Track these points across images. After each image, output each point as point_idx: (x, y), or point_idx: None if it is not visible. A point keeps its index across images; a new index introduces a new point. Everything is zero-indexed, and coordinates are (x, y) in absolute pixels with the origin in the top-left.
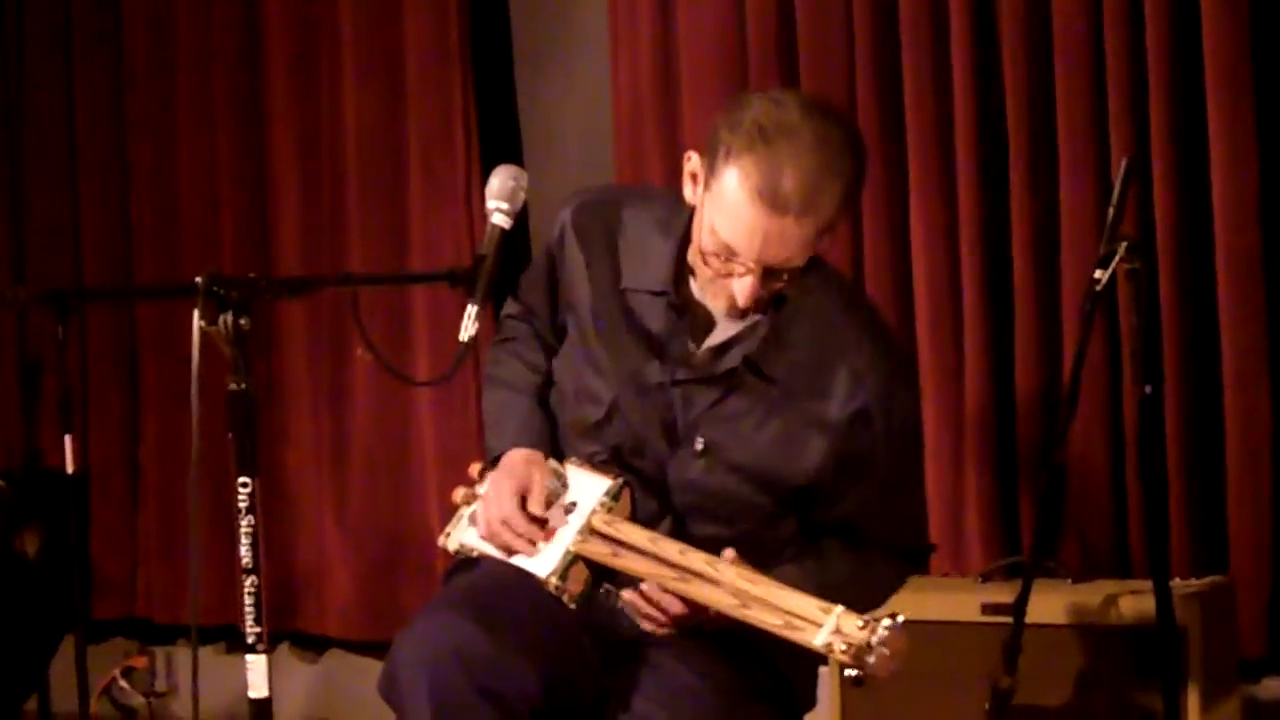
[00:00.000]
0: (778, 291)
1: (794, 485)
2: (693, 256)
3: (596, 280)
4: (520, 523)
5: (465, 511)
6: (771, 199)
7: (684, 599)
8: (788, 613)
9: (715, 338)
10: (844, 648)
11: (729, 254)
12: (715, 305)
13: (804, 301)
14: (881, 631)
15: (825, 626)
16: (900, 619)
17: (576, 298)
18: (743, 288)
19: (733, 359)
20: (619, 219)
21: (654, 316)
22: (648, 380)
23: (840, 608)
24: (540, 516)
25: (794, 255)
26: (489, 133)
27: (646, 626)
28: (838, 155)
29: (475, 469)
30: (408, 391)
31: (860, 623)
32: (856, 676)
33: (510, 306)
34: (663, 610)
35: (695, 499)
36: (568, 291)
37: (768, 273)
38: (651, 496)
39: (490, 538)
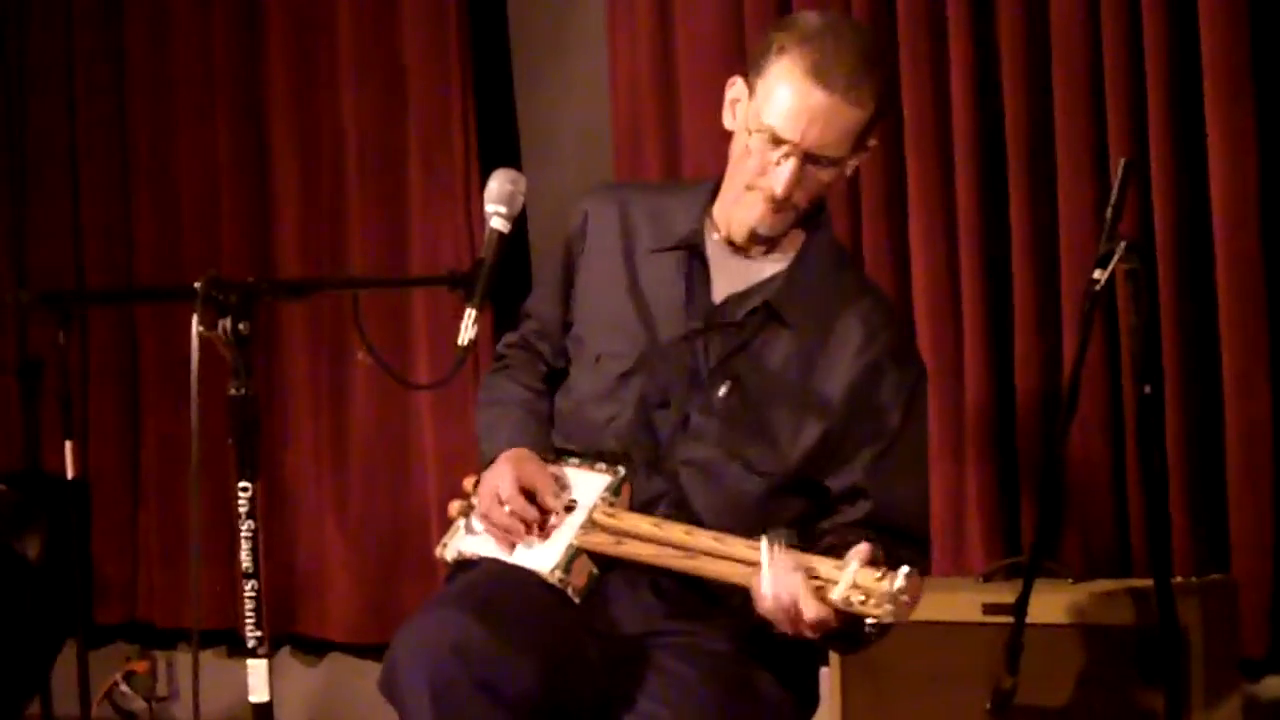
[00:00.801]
0: (813, 195)
1: (811, 432)
2: (725, 190)
3: (621, 252)
4: (519, 501)
5: (461, 522)
6: (819, 77)
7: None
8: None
9: (735, 286)
10: (863, 599)
11: (774, 141)
12: (749, 215)
13: (818, 256)
14: (900, 580)
15: (842, 582)
16: (914, 571)
17: (600, 274)
18: (782, 174)
19: (753, 303)
20: (640, 195)
21: (678, 271)
22: (673, 330)
23: (855, 562)
24: (548, 508)
25: (835, 141)
26: (487, 134)
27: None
28: (878, 54)
29: (469, 482)
30: (408, 394)
31: (878, 574)
32: (878, 626)
33: (508, 337)
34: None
35: (712, 448)
36: (590, 271)
37: (808, 160)
38: (657, 472)
39: (484, 517)
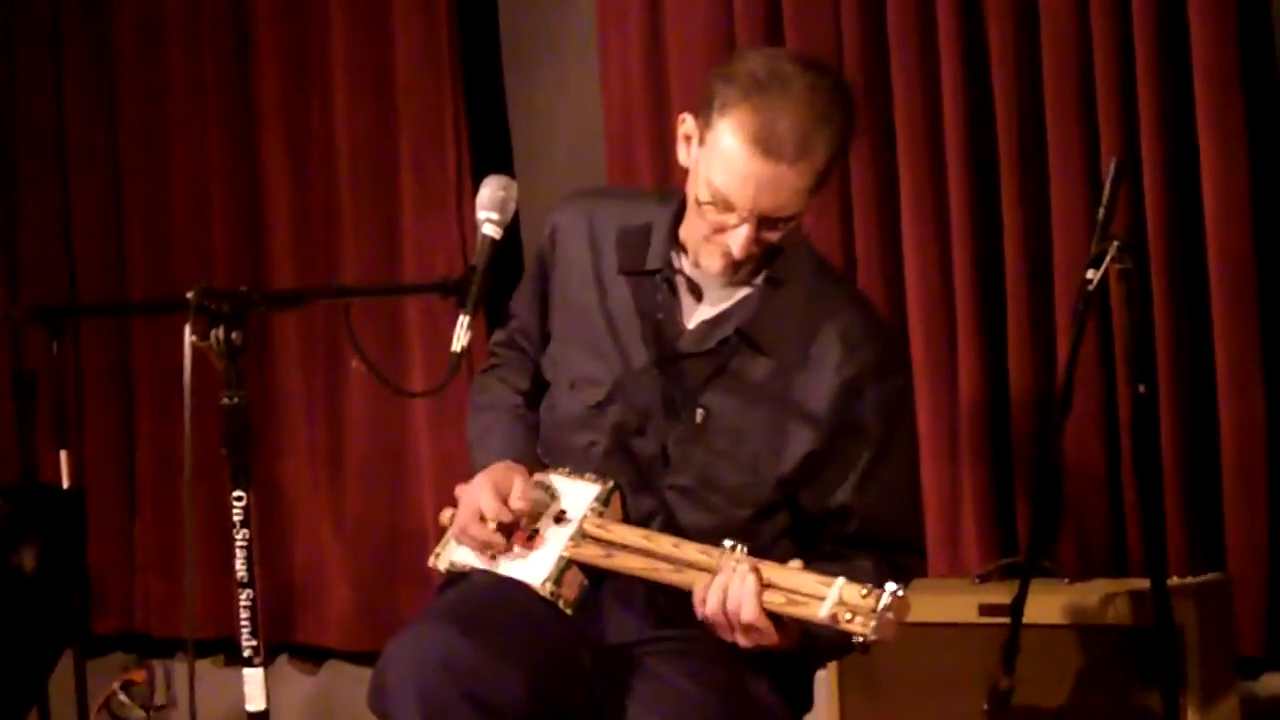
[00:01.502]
0: (772, 246)
1: (791, 457)
2: (686, 225)
3: (590, 270)
4: (494, 507)
5: (453, 531)
6: (766, 146)
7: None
8: (789, 590)
9: (708, 312)
10: (849, 616)
11: (725, 206)
12: (710, 264)
13: (793, 275)
14: (886, 598)
15: (828, 599)
16: (900, 589)
17: (571, 291)
18: (738, 238)
19: (725, 330)
20: (608, 212)
21: (649, 296)
22: (646, 358)
23: (841, 579)
24: (520, 510)
25: (788, 203)
26: (479, 140)
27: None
28: (830, 104)
29: (461, 490)
30: (402, 402)
31: (863, 591)
32: (863, 643)
33: (497, 335)
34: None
35: (693, 478)
36: (562, 289)
37: (763, 222)
38: (645, 493)
39: (463, 532)
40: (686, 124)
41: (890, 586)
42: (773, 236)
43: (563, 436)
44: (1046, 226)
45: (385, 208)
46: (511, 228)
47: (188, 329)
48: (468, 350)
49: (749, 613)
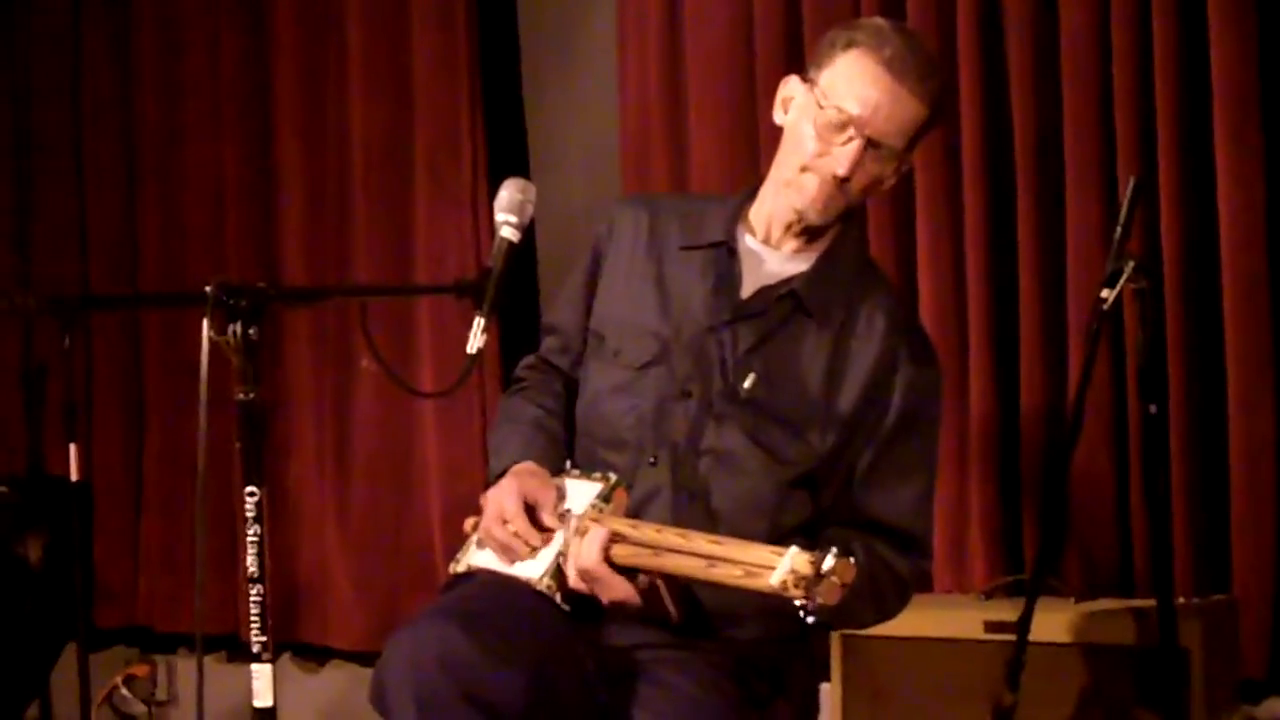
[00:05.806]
0: (863, 188)
1: (835, 418)
2: (774, 179)
3: (648, 247)
4: (522, 522)
5: (474, 537)
6: (892, 66)
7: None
8: (747, 564)
9: (764, 279)
10: (796, 583)
11: (839, 125)
12: (800, 200)
13: (846, 255)
14: (829, 560)
15: (779, 569)
16: (843, 553)
17: (623, 268)
18: (846, 154)
19: (779, 292)
20: (671, 204)
21: (708, 267)
22: (697, 325)
23: (794, 549)
24: (546, 527)
25: (897, 131)
26: (496, 145)
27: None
28: (940, 63)
29: (486, 499)
30: (412, 402)
31: (810, 558)
32: (807, 608)
33: (525, 360)
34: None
35: (736, 439)
36: (613, 269)
37: (869, 147)
38: (677, 463)
39: (486, 533)
40: (789, 85)
41: (833, 550)
42: (876, 168)
43: (600, 405)
44: (1061, 244)
45: (399, 209)
46: (527, 232)
47: (205, 323)
48: (482, 353)
49: (587, 559)
